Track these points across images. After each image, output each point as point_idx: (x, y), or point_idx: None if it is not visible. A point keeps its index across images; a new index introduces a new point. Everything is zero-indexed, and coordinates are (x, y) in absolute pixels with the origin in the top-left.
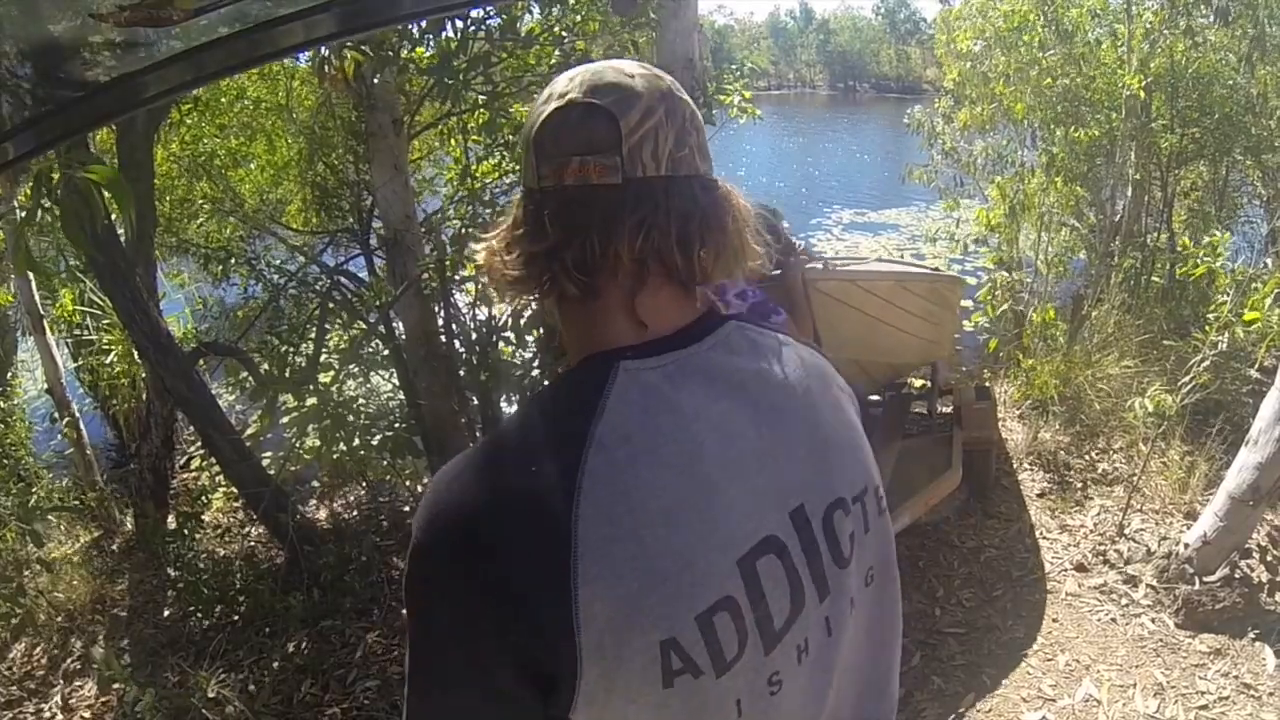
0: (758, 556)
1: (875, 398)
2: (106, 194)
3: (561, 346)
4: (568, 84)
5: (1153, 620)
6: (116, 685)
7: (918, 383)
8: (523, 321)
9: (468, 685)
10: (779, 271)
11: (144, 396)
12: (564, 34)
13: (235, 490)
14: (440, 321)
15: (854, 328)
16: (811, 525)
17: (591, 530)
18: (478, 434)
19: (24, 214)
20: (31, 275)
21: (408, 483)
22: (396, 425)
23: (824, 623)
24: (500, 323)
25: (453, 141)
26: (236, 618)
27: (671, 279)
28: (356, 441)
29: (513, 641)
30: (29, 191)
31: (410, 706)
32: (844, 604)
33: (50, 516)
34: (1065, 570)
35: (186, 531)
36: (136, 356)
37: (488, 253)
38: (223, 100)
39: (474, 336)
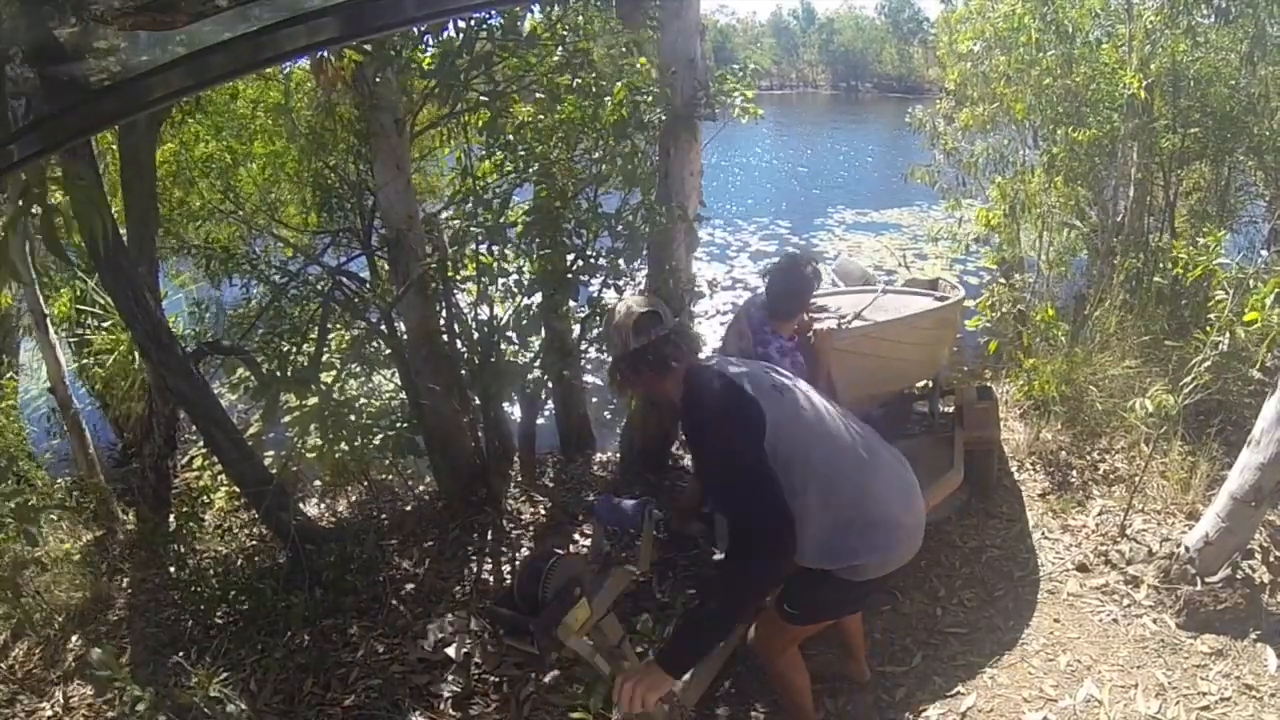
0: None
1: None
2: (112, 192)
3: (659, 391)
4: (634, 305)
5: (1154, 621)
6: (117, 684)
7: (919, 382)
8: (525, 323)
9: (754, 450)
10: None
11: (146, 396)
12: (565, 34)
13: (237, 489)
14: (442, 321)
15: (864, 371)
16: (770, 375)
17: (736, 377)
18: (479, 434)
19: (7, 220)
20: (35, 274)
21: (409, 482)
22: (398, 425)
23: (798, 390)
24: (503, 323)
25: (454, 141)
26: (238, 617)
27: (692, 354)
28: (358, 441)
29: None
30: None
31: (733, 481)
32: (797, 387)
33: (51, 515)
34: (1067, 570)
35: (188, 530)
36: (138, 356)
37: (616, 382)
38: (221, 100)
39: (476, 336)
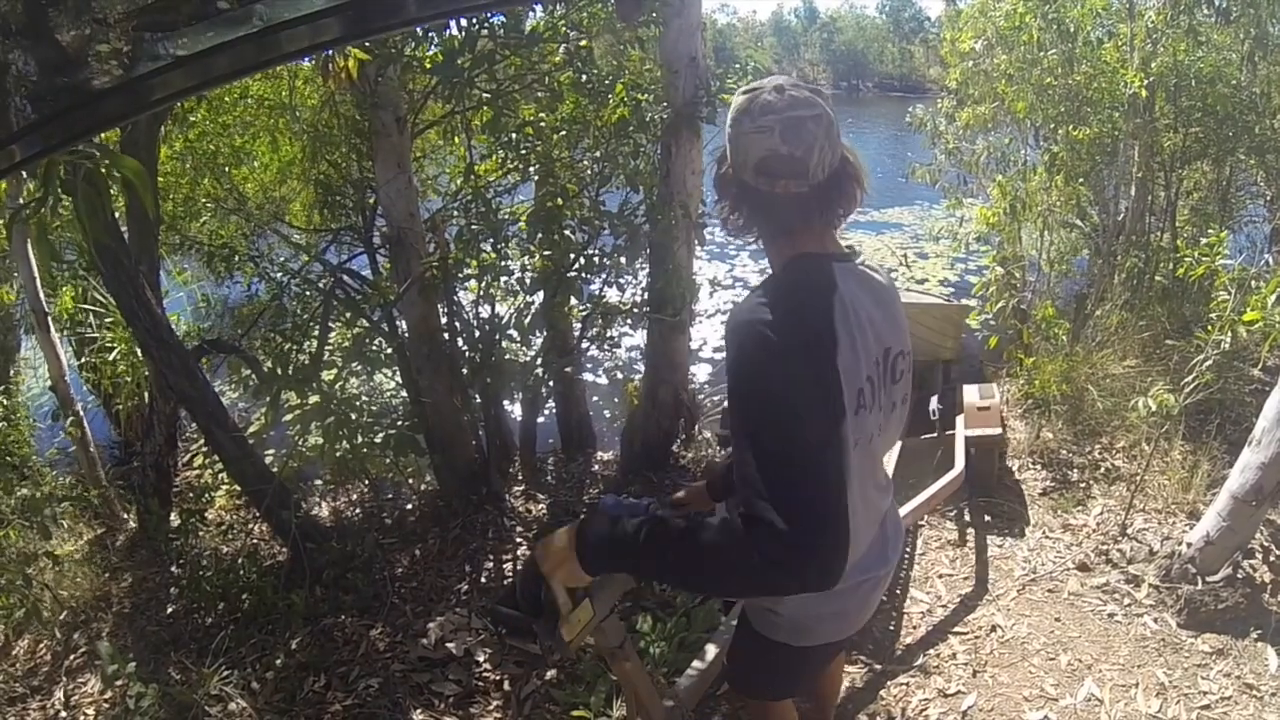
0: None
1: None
2: (114, 189)
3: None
4: (782, 132)
5: (1155, 620)
6: (120, 682)
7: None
8: (526, 320)
9: (824, 425)
10: None
11: (147, 394)
12: (568, 32)
13: (238, 487)
14: (443, 319)
15: None
16: (885, 360)
17: (840, 332)
18: (480, 433)
19: (33, 204)
20: (36, 273)
21: (410, 480)
22: (399, 423)
23: (881, 413)
24: (504, 321)
25: (456, 140)
26: (239, 615)
27: (829, 227)
28: (359, 439)
29: (827, 380)
30: (30, 189)
31: (781, 463)
32: (888, 410)
33: (58, 509)
34: (1068, 569)
35: (189, 529)
36: (139, 354)
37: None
38: (227, 99)
39: (477, 335)
